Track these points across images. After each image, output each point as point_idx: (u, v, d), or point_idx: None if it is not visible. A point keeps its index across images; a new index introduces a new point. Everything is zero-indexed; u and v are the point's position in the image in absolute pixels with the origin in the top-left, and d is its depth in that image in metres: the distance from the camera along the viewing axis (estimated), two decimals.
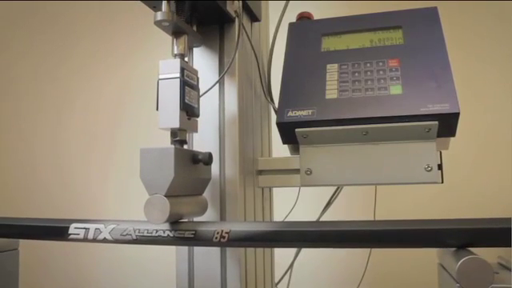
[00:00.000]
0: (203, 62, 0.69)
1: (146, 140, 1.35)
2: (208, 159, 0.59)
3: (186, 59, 0.61)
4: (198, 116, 0.61)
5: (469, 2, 1.20)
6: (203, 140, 0.68)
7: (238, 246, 0.62)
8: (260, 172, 0.75)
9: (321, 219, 0.83)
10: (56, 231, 0.61)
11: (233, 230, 0.54)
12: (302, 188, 0.77)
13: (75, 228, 0.60)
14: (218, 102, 0.68)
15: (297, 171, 0.68)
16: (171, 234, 0.56)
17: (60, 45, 1.58)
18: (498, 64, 1.17)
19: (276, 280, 0.85)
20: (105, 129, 1.49)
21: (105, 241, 0.58)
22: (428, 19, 0.70)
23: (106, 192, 1.46)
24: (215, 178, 0.66)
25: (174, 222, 0.56)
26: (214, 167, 0.66)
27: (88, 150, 1.50)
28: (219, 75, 0.69)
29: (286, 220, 0.89)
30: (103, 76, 1.51)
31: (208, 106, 0.68)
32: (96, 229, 0.59)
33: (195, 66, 0.70)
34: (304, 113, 0.65)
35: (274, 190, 0.86)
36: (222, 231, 0.54)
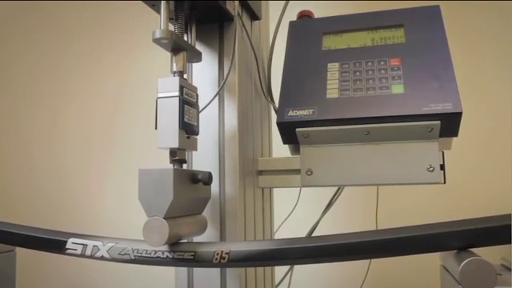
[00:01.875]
0: (203, 61, 0.69)
1: (145, 139, 1.34)
2: (208, 179, 0.58)
3: (185, 76, 0.59)
4: (197, 134, 0.60)
5: (470, 1, 1.20)
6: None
7: (238, 266, 0.61)
8: (260, 172, 0.75)
9: (322, 220, 0.83)
10: (53, 244, 0.60)
11: (232, 250, 0.53)
12: (302, 188, 0.76)
13: (73, 243, 0.59)
14: (217, 110, 0.67)
15: (297, 171, 0.67)
16: (170, 256, 0.55)
17: (57, 44, 1.57)
18: (500, 63, 1.17)
19: (276, 282, 0.85)
20: (103, 129, 1.48)
21: (102, 258, 0.57)
22: (430, 18, 0.69)
23: (104, 192, 1.45)
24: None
25: (174, 243, 0.56)
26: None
27: (86, 149, 1.49)
28: (219, 75, 0.68)
29: (286, 220, 0.89)
30: (101, 75, 1.51)
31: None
32: (94, 246, 0.58)
33: (195, 66, 0.69)
34: (304, 112, 0.64)
35: (275, 190, 0.85)
36: (222, 252, 0.53)
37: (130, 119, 1.45)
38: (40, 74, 1.58)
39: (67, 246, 0.59)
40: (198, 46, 0.68)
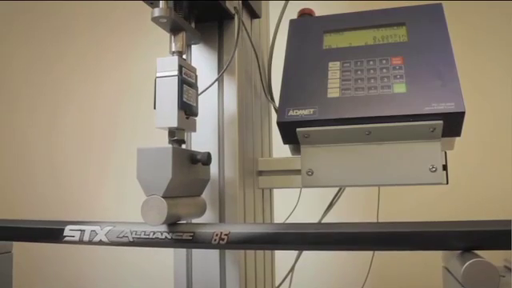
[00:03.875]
0: (202, 59, 0.68)
1: (144, 139, 1.33)
2: (207, 159, 0.58)
3: (184, 56, 0.59)
4: (196, 115, 0.60)
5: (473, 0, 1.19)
6: (202, 139, 0.66)
7: (237, 248, 0.61)
8: (260, 173, 0.74)
9: (322, 221, 0.82)
10: (50, 233, 0.59)
11: (232, 231, 0.52)
12: (303, 189, 0.75)
13: (70, 230, 0.58)
14: (216, 101, 0.67)
15: (298, 172, 0.67)
16: (169, 236, 0.54)
17: (55, 43, 1.57)
18: (504, 62, 1.16)
19: (276, 283, 0.84)
20: (101, 127, 1.48)
21: (101, 243, 0.57)
22: (432, 16, 0.69)
23: (103, 191, 1.45)
24: (214, 179, 0.65)
25: (172, 223, 0.55)
26: (213, 167, 0.64)
27: (84, 148, 1.49)
28: (218, 73, 0.67)
29: (287, 221, 0.88)
30: (100, 74, 1.50)
31: (207, 104, 0.66)
32: (92, 231, 0.57)
33: (194, 64, 0.68)
34: (305, 112, 0.63)
35: (275, 191, 0.85)
36: (221, 233, 0.53)
37: (130, 117, 1.44)
38: (38, 73, 1.57)
39: (65, 234, 0.58)
40: (198, 45, 0.68)
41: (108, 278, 1.40)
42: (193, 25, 0.64)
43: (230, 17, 0.67)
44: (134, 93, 1.43)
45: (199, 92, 0.62)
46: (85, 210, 1.44)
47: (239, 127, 0.67)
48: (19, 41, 1.61)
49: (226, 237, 0.52)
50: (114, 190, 1.43)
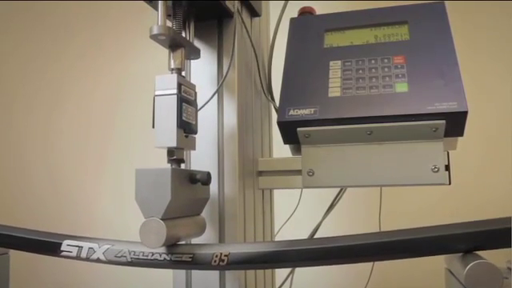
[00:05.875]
0: (201, 58, 0.67)
1: (142, 138, 1.33)
2: (206, 179, 0.57)
3: (183, 73, 0.58)
4: (195, 133, 0.59)
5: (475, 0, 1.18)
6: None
7: (237, 268, 0.60)
8: (260, 173, 0.73)
9: (324, 222, 0.81)
10: (48, 246, 0.59)
11: (232, 252, 0.52)
12: (304, 189, 0.75)
13: (68, 245, 0.58)
14: (216, 103, 0.66)
15: (298, 172, 0.66)
16: (168, 258, 0.54)
17: (52, 42, 1.56)
18: (507, 62, 1.15)
19: (277, 285, 0.83)
20: (99, 126, 1.47)
21: (98, 261, 0.56)
22: (435, 14, 0.68)
23: (101, 194, 1.44)
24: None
25: (171, 244, 0.54)
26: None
27: (82, 149, 1.48)
28: (218, 73, 0.67)
29: (287, 222, 0.88)
30: (97, 74, 1.49)
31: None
32: (89, 248, 0.57)
33: (193, 64, 0.68)
34: (306, 111, 0.63)
35: (275, 191, 0.84)
36: (221, 254, 0.52)
37: (127, 118, 1.43)
38: (34, 73, 1.57)
39: (62, 249, 0.58)
40: (197, 43, 0.67)
41: (107, 280, 1.40)
42: (192, 26, 0.63)
43: (230, 15, 0.66)
44: (132, 92, 1.42)
45: (199, 106, 0.61)
46: (83, 211, 1.44)
47: (239, 133, 0.66)
48: (16, 40, 1.61)
49: (225, 258, 0.52)
50: (113, 189, 1.42)
